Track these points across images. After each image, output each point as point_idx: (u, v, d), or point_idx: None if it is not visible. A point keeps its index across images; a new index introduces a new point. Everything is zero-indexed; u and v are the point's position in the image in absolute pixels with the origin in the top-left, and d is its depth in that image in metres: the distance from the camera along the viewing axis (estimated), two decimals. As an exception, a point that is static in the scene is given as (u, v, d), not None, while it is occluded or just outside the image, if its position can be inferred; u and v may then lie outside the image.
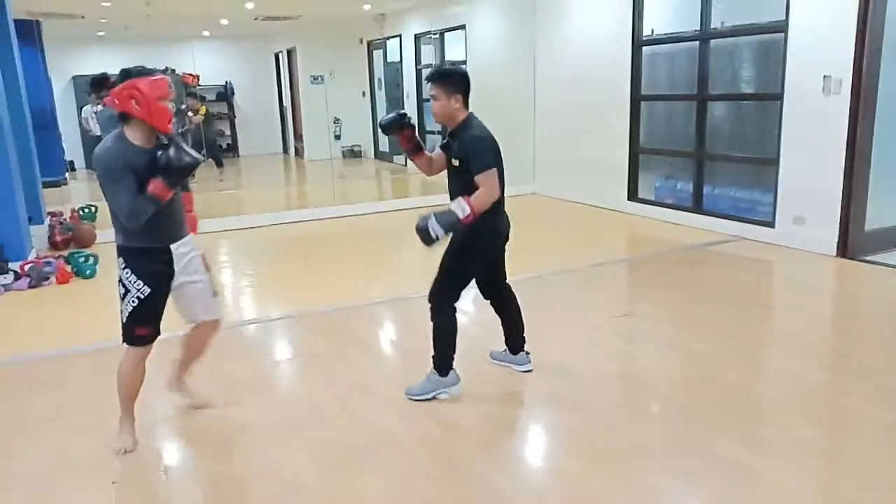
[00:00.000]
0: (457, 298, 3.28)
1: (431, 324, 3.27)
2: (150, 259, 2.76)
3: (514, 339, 3.60)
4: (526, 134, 9.20)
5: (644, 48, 7.29)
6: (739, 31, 6.44)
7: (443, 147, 3.34)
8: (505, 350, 3.66)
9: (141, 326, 2.78)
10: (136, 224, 2.62)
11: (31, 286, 5.47)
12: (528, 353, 3.61)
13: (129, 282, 2.73)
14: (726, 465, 2.69)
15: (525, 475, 2.78)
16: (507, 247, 3.48)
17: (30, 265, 5.60)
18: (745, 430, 2.96)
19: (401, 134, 3.36)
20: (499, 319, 3.59)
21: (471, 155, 3.13)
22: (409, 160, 3.38)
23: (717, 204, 6.77)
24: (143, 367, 2.88)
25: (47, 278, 5.56)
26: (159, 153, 2.62)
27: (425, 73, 11.62)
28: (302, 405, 3.35)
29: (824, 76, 5.39)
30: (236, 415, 3.24)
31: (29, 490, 2.69)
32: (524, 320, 3.58)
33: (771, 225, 6.03)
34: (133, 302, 2.74)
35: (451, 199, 3.19)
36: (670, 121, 7.47)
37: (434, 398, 3.28)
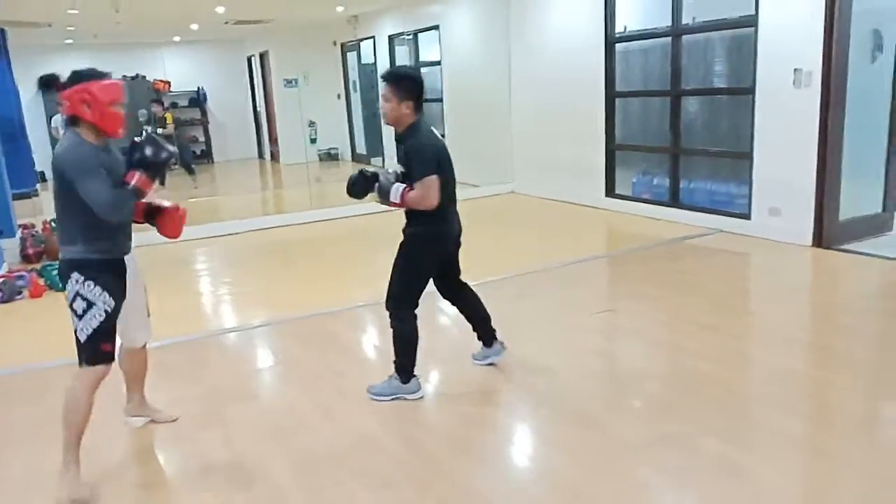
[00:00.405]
0: (415, 304, 3.28)
1: (391, 330, 3.28)
2: (112, 271, 2.67)
3: (485, 331, 3.60)
4: (503, 133, 9.21)
5: (617, 45, 7.33)
6: (710, 26, 6.49)
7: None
8: (481, 347, 3.66)
9: (107, 342, 2.66)
10: (117, 217, 2.55)
11: (3, 301, 5.35)
12: (502, 342, 3.63)
13: (94, 295, 2.60)
14: (712, 460, 2.70)
15: (511, 475, 2.77)
16: (461, 247, 3.54)
17: (2, 279, 5.48)
18: (730, 426, 2.97)
19: (370, 192, 3.30)
20: (467, 318, 3.61)
21: (413, 161, 3.13)
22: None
23: (693, 198, 6.83)
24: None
25: (20, 292, 5.45)
26: (137, 147, 2.60)
27: (400, 74, 11.59)
28: (284, 412, 3.31)
29: (795, 69, 5.45)
30: (219, 425, 3.19)
31: (6, 500, 2.64)
32: (490, 313, 3.59)
33: (747, 217, 6.09)
34: (100, 316, 2.61)
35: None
36: (645, 117, 7.52)
37: (396, 399, 3.29)
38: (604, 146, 7.58)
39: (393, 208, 3.23)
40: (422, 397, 3.33)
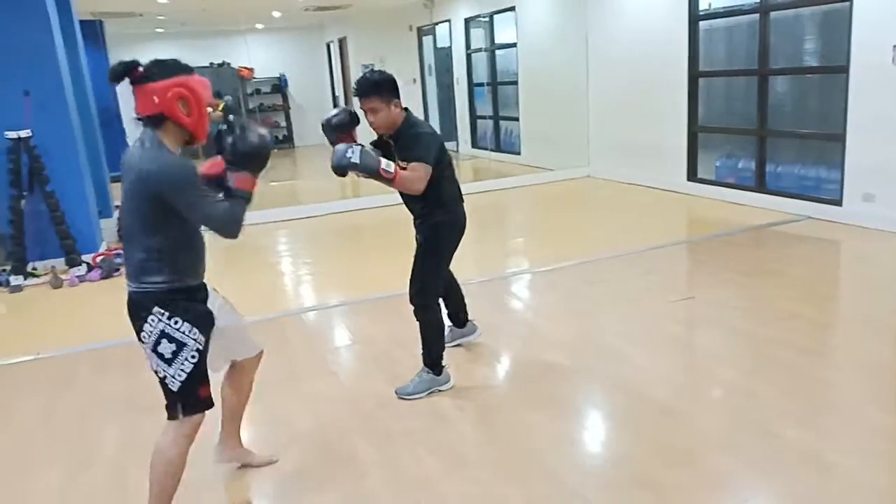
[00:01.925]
0: (439, 294, 3.31)
1: (418, 324, 3.25)
2: (197, 300, 2.26)
3: (463, 313, 3.69)
4: (579, 116, 9.07)
5: (701, 23, 7.08)
6: (802, 1, 6.18)
7: (384, 153, 3.10)
8: (449, 328, 3.63)
9: (204, 385, 2.25)
10: (237, 233, 2.20)
11: (102, 277, 5.71)
12: (473, 320, 3.72)
13: (183, 333, 2.16)
14: (796, 451, 2.62)
15: (585, 460, 2.77)
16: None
17: (101, 257, 5.85)
18: (815, 416, 2.88)
19: (346, 134, 3.12)
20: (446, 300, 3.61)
21: (414, 145, 3.04)
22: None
23: (780, 182, 6.55)
24: None
25: (117, 269, 5.80)
26: (231, 140, 2.21)
27: (476, 57, 11.59)
28: (361, 389, 3.41)
29: (894, 46, 5.13)
30: (300, 400, 3.33)
31: (103, 470, 2.83)
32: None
33: (838, 203, 5.80)
34: (192, 358, 2.19)
35: (408, 205, 3.28)
36: (730, 97, 7.25)
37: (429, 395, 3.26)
38: (686, 128, 7.35)
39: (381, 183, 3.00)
40: (453, 386, 3.31)
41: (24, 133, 5.57)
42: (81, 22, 7.96)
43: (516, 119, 10.65)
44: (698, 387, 3.29)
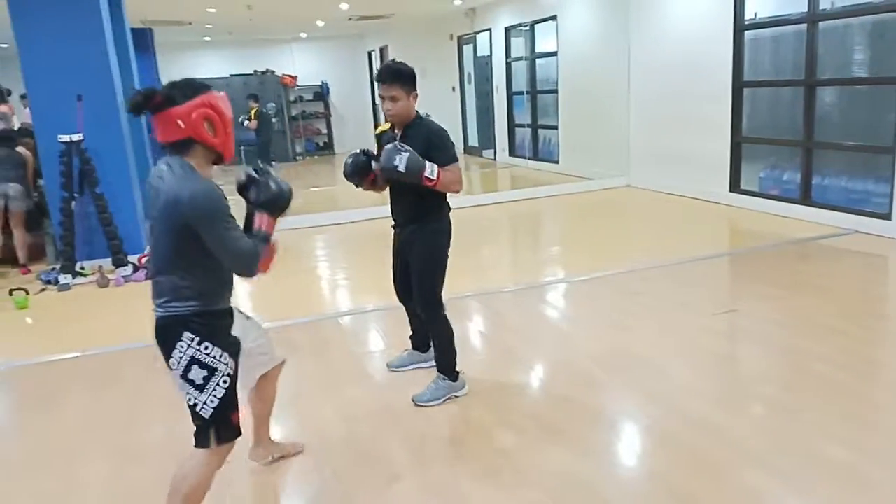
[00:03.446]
0: (442, 301, 3.25)
1: (434, 335, 3.29)
2: (226, 323, 2.22)
3: (426, 337, 3.52)
4: (619, 125, 9.00)
5: (746, 32, 6.98)
6: (852, 11, 6.05)
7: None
8: (407, 352, 3.64)
9: (235, 411, 2.20)
10: (252, 272, 2.15)
11: (147, 277, 5.84)
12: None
13: (215, 358, 2.12)
14: (837, 470, 2.56)
15: (621, 472, 2.74)
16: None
17: (146, 258, 6.01)
18: (857, 435, 2.80)
19: (366, 176, 3.21)
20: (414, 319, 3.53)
21: (438, 146, 3.06)
22: (367, 189, 3.33)
23: (827, 195, 6.40)
24: None
25: (161, 270, 5.94)
26: (255, 186, 2.22)
27: (515, 66, 11.59)
28: (396, 394, 3.43)
29: (950, 56, 5.00)
30: (337, 403, 3.36)
31: (149, 466, 2.90)
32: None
33: (887, 217, 5.64)
34: (224, 383, 2.15)
35: (397, 200, 3.25)
36: (775, 108, 7.11)
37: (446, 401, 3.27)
38: (729, 138, 7.24)
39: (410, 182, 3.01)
40: (467, 393, 3.31)
41: (76, 137, 5.76)
42: (132, 30, 8.21)
43: (555, 127, 10.62)
44: (737, 402, 3.22)
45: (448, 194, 3.18)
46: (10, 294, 5.35)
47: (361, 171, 3.20)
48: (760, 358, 3.69)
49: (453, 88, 13.98)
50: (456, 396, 3.29)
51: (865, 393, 3.22)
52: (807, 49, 6.31)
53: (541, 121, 11.24)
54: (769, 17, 6.85)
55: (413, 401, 3.26)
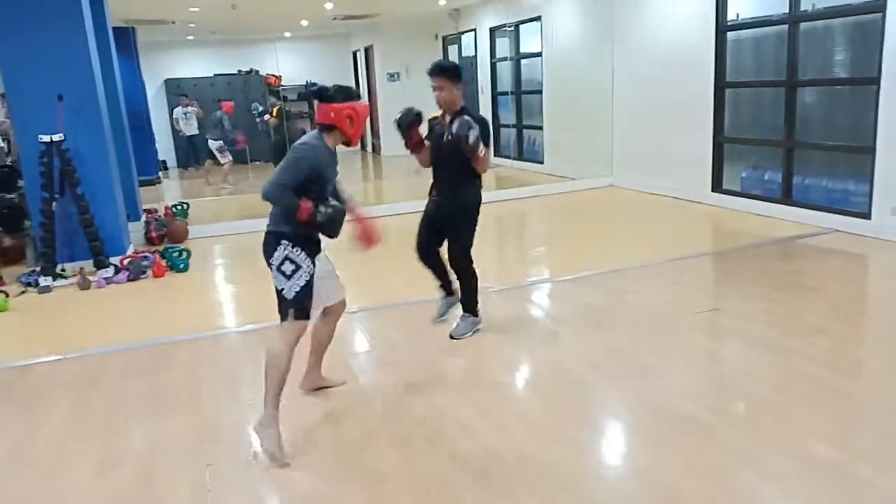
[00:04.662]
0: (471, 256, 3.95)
1: (463, 282, 3.98)
2: (312, 243, 2.98)
3: (450, 281, 4.09)
4: (603, 125, 9.05)
5: (728, 33, 7.04)
6: (832, 12, 6.12)
7: (437, 133, 3.84)
8: (441, 300, 4.13)
9: (309, 300, 2.94)
10: (269, 197, 2.83)
11: (129, 279, 5.81)
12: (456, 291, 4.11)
13: (300, 258, 2.90)
14: (824, 468, 2.58)
15: (607, 472, 2.75)
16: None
17: (128, 259, 5.95)
18: (844, 433, 2.83)
19: (413, 130, 3.77)
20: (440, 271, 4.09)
21: (483, 130, 3.68)
22: (413, 153, 3.95)
23: (808, 195, 6.47)
24: None
25: (144, 272, 5.89)
26: (322, 209, 2.86)
27: (500, 66, 11.62)
28: (384, 395, 3.42)
29: (928, 57, 5.07)
30: (323, 405, 3.35)
31: (131, 468, 2.87)
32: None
33: (867, 216, 5.72)
34: (305, 276, 2.90)
35: (441, 177, 3.92)
36: (757, 108, 7.18)
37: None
38: (711, 139, 7.30)
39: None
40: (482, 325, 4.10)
41: (56, 137, 5.69)
42: (114, 29, 8.12)
43: (540, 128, 10.65)
44: (724, 400, 3.25)
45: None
46: (-10, 296, 5.27)
47: (412, 123, 3.76)
48: (746, 356, 3.72)
49: (438, 88, 13.97)
50: (478, 329, 4.07)
51: (850, 391, 3.26)
52: (788, 50, 6.37)
53: (525, 121, 11.27)
54: (751, 19, 6.91)
55: (451, 336, 4.01)
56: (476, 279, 4.00)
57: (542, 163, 10.61)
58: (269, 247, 2.93)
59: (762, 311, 4.28)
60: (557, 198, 8.75)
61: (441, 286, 4.14)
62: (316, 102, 2.97)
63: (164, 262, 6.03)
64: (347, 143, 3.03)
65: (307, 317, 2.96)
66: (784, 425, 2.89)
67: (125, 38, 10.81)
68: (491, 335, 4.20)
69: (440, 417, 3.15)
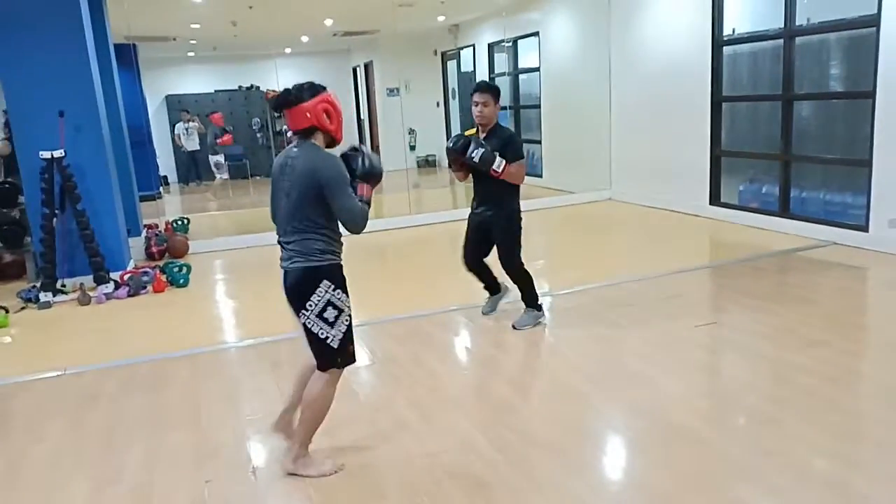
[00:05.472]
0: (521, 258, 4.26)
1: (521, 283, 4.30)
2: (343, 274, 2.74)
3: (497, 283, 4.55)
4: (601, 139, 9.10)
5: (725, 48, 7.09)
6: (827, 27, 6.18)
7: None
8: (488, 300, 4.61)
9: (352, 343, 2.76)
10: (362, 229, 2.68)
11: (129, 294, 5.82)
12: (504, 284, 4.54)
13: (342, 301, 2.68)
14: (822, 481, 2.58)
15: (605, 486, 2.75)
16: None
17: (129, 275, 5.96)
18: (842, 446, 2.82)
19: (462, 154, 4.05)
20: (480, 282, 4.55)
21: (512, 146, 4.09)
22: (455, 171, 4.28)
23: (805, 207, 6.50)
24: None
25: (144, 287, 5.90)
26: (359, 160, 2.73)
27: (498, 81, 11.68)
28: (381, 410, 3.42)
29: (922, 71, 5.11)
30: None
31: (129, 485, 2.87)
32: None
33: (864, 229, 5.74)
34: (346, 321, 2.70)
35: (484, 191, 4.21)
36: (754, 122, 7.23)
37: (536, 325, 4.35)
38: (709, 152, 7.34)
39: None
40: (546, 319, 4.47)
41: (57, 153, 5.73)
42: (115, 46, 8.19)
43: (538, 142, 10.70)
44: (722, 413, 3.25)
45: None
46: (-10, 312, 5.28)
47: (464, 148, 4.03)
48: (744, 369, 3.72)
49: (438, 104, 14.05)
50: (540, 322, 4.39)
51: (849, 404, 3.26)
52: (784, 64, 6.42)
53: (524, 135, 11.30)
54: (747, 33, 6.97)
55: (513, 326, 4.32)
56: (531, 277, 4.29)
57: (540, 176, 10.65)
58: (304, 287, 2.62)
59: (760, 324, 4.29)
60: (556, 211, 8.78)
61: (486, 287, 4.55)
62: (285, 111, 2.65)
63: (164, 278, 6.05)
64: (332, 143, 2.74)
65: (353, 360, 2.79)
66: (782, 438, 2.89)
67: (126, 54, 10.86)
68: (489, 348, 4.22)
69: (438, 432, 3.15)
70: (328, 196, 2.58)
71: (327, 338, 2.66)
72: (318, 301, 2.62)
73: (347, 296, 2.71)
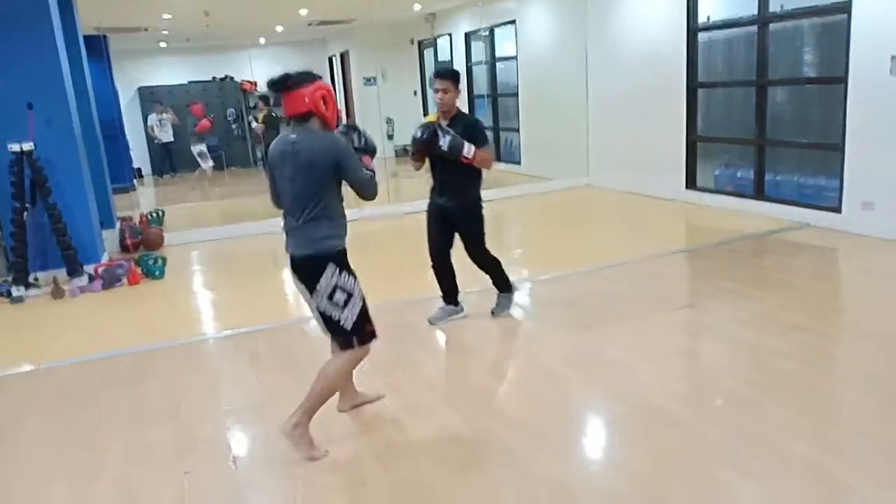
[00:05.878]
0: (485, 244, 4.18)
1: (490, 269, 4.20)
2: (346, 258, 2.81)
3: (456, 292, 4.31)
4: (578, 126, 9.12)
5: (700, 34, 7.14)
6: (800, 13, 6.23)
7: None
8: (440, 308, 4.31)
9: (370, 322, 2.82)
10: (375, 195, 2.83)
11: (104, 287, 5.74)
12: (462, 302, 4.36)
13: (350, 284, 2.75)
14: (800, 464, 2.60)
15: (587, 469, 2.76)
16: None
17: (103, 268, 5.88)
18: (820, 429, 2.85)
19: (428, 144, 3.89)
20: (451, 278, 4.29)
21: (478, 132, 3.99)
22: (414, 160, 4.10)
23: (779, 190, 6.58)
24: None
25: (119, 280, 5.82)
26: (356, 135, 2.88)
27: (476, 70, 11.66)
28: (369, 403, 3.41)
29: (892, 56, 5.18)
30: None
31: (109, 478, 2.84)
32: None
33: (837, 211, 5.83)
34: (359, 301, 2.76)
35: (445, 180, 4.03)
36: (729, 107, 7.29)
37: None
38: (685, 138, 7.40)
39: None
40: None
41: (27, 146, 5.61)
42: (86, 37, 8.03)
43: (517, 130, 10.71)
44: (701, 397, 3.27)
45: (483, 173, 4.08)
46: (-39, 308, 5.18)
47: (428, 140, 3.86)
48: (723, 353, 3.76)
49: (415, 92, 13.98)
50: (516, 303, 4.41)
51: (826, 386, 3.29)
52: (757, 50, 6.48)
53: (502, 124, 11.32)
54: (721, 20, 7.01)
55: (492, 313, 4.31)
56: (499, 261, 4.22)
57: (519, 164, 10.67)
58: (313, 272, 2.73)
59: (738, 308, 4.33)
60: (535, 198, 8.81)
61: (444, 293, 4.30)
62: (282, 95, 2.72)
63: (139, 270, 5.97)
64: (329, 129, 2.81)
65: (373, 337, 2.83)
66: (760, 421, 2.92)
67: (97, 46, 10.67)
68: (470, 334, 4.22)
69: (419, 421, 3.15)
70: (343, 171, 2.69)
71: (339, 320, 2.74)
72: (326, 286, 2.70)
73: (355, 278, 2.77)
